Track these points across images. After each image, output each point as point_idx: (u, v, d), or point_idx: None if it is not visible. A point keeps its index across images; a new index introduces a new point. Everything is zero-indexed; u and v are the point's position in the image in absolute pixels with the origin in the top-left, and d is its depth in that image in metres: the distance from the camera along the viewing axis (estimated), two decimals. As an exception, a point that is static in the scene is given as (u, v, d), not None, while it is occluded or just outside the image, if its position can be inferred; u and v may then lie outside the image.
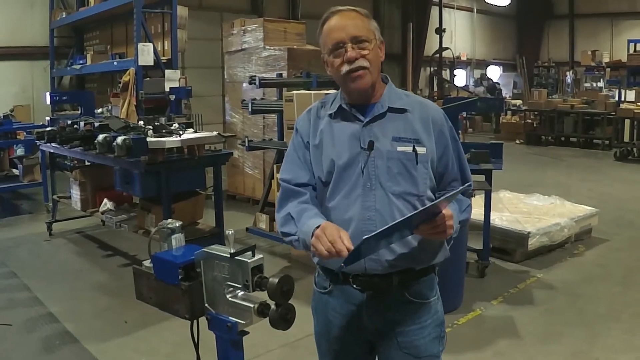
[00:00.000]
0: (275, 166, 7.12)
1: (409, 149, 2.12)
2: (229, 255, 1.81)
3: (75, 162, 7.84)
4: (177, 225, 2.12)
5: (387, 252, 2.13)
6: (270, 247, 6.60)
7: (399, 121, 2.16)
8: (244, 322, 1.85)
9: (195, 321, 2.02)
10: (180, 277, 1.94)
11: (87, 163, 7.36)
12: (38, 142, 7.19)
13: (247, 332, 1.91)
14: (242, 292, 1.87)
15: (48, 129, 6.92)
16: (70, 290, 5.60)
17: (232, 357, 1.94)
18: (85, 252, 6.89)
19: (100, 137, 5.71)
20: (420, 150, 2.13)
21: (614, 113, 14.18)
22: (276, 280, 1.72)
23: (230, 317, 1.87)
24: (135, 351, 4.34)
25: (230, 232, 1.84)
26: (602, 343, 4.43)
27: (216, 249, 1.88)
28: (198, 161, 5.77)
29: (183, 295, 1.93)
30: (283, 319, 1.76)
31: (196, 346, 2.10)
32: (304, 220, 2.10)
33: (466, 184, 2.19)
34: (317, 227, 1.99)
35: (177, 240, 2.11)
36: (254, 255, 1.81)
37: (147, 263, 2.08)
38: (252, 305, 1.81)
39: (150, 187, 5.55)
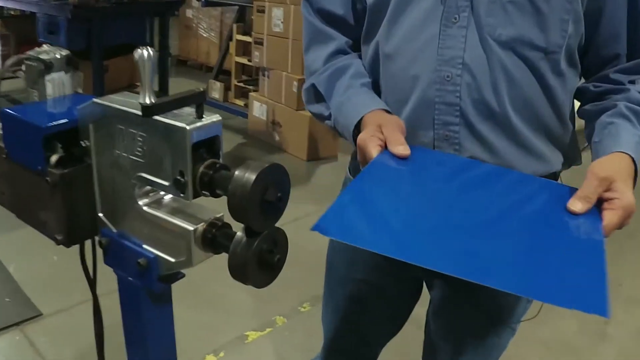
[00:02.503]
0: (235, 25, 6.10)
1: None
2: (141, 113, 0.81)
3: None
4: (59, 55, 1.10)
5: (477, 146, 1.23)
6: (225, 119, 5.62)
7: None
8: (172, 260, 0.88)
9: (90, 244, 1.05)
10: (48, 156, 0.95)
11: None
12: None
13: (181, 276, 0.94)
14: (170, 197, 0.91)
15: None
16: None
17: (148, 318, 0.99)
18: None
19: (16, -29, 4.61)
20: None
21: None
22: (253, 175, 0.73)
23: (146, 246, 0.91)
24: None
25: (144, 51, 0.82)
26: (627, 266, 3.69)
27: (121, 101, 0.88)
28: (140, 8, 4.85)
29: (52, 193, 0.94)
30: (264, 264, 0.79)
31: (92, 286, 1.14)
32: (337, 99, 1.31)
33: None
34: (361, 119, 1.22)
35: (58, 85, 1.11)
36: (200, 117, 0.81)
37: (-6, 126, 1.07)
38: (191, 228, 0.84)
39: (79, 37, 4.55)
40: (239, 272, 0.77)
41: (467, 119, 1.20)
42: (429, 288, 1.51)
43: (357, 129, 1.22)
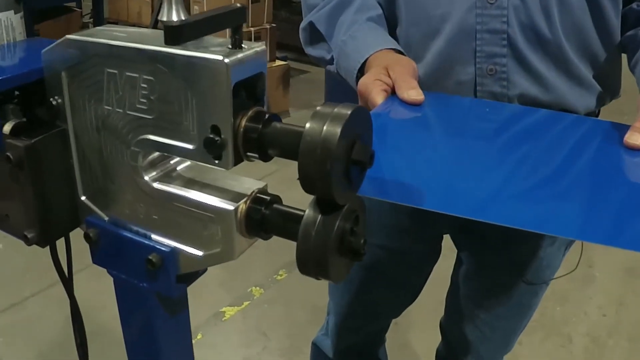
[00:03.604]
0: (168, -20, 5.69)
1: None
2: (159, 48, 0.54)
3: None
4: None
5: (528, 81, 1.04)
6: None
7: None
8: (199, 254, 0.63)
9: (62, 242, 0.79)
10: (1, 125, 0.68)
11: None
12: None
13: (203, 272, 0.70)
14: (184, 166, 0.66)
15: None
16: None
17: (161, 332, 0.74)
18: None
19: None
20: None
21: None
22: (337, 128, 0.48)
23: (157, 237, 0.66)
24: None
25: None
26: None
27: (109, 33, 0.61)
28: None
29: (16, 175, 0.68)
30: (346, 249, 0.54)
31: (69, 288, 0.88)
32: (339, 38, 1.08)
33: None
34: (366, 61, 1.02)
35: (5, 28, 0.84)
36: (239, 45, 0.54)
37: None
38: (230, 207, 0.59)
39: (5, -1, 4.07)
40: (315, 264, 0.53)
41: (516, 49, 1.02)
42: (460, 249, 1.34)
43: (362, 73, 1.01)
